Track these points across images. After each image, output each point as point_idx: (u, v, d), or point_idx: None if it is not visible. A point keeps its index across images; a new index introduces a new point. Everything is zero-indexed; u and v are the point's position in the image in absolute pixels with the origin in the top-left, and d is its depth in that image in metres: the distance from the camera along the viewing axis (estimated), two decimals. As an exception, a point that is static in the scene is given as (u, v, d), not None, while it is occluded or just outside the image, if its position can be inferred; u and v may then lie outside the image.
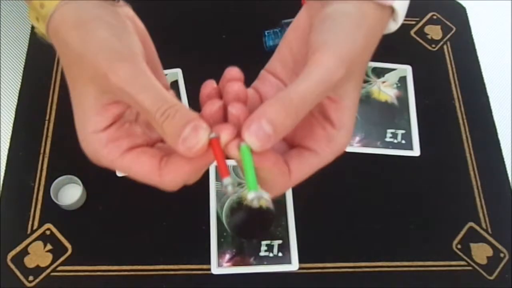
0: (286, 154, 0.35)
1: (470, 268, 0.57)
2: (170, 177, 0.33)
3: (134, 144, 0.34)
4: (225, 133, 0.31)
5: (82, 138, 0.34)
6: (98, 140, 0.33)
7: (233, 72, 0.35)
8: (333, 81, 0.32)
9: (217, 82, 0.37)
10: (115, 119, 0.34)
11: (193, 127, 0.30)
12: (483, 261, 0.57)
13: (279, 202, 0.58)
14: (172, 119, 0.31)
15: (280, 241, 0.56)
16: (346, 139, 0.36)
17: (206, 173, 0.58)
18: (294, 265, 0.55)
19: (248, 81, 0.68)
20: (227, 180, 0.32)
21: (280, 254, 0.55)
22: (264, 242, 0.56)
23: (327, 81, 0.32)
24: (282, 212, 0.57)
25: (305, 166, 0.35)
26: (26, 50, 0.63)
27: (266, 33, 0.65)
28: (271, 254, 0.55)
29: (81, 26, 0.33)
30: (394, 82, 0.67)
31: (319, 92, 0.32)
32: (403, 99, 0.66)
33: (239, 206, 0.57)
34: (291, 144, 0.37)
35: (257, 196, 0.31)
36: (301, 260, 0.55)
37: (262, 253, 0.55)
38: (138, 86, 0.31)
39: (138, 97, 0.31)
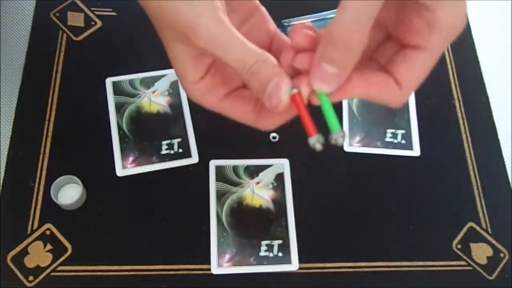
0: (391, 63, 0.33)
1: (470, 268, 0.57)
2: (264, 124, 0.36)
3: (231, 89, 0.36)
4: (305, 87, 0.32)
5: (185, 87, 0.36)
6: (198, 90, 0.35)
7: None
8: None
9: None
10: (209, 68, 0.35)
11: (275, 84, 0.31)
12: (483, 261, 0.57)
13: (279, 202, 0.58)
14: (257, 75, 0.32)
15: (280, 241, 0.56)
16: (453, 15, 0.31)
17: (206, 173, 0.58)
18: (294, 265, 0.55)
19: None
20: (313, 139, 0.33)
21: (280, 254, 0.55)
22: (264, 242, 0.56)
23: None
24: (282, 212, 0.57)
25: (415, 69, 0.33)
26: (26, 50, 0.63)
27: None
28: (271, 254, 0.55)
29: None
30: (394, 82, 0.67)
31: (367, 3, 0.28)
32: (403, 99, 0.66)
33: (239, 206, 0.57)
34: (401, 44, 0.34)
35: (339, 135, 0.33)
36: (301, 260, 0.55)
37: (262, 253, 0.55)
38: (220, 46, 0.32)
39: (222, 56, 0.32)
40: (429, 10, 0.31)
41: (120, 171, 0.57)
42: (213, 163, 0.59)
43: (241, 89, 0.37)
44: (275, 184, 0.58)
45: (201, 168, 0.58)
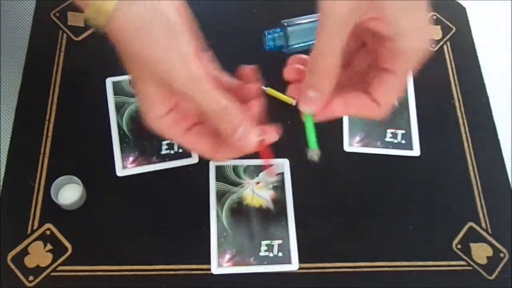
0: (371, 85, 0.38)
1: (470, 268, 0.57)
2: (222, 157, 0.42)
3: (192, 123, 0.41)
4: (272, 136, 0.41)
5: (149, 121, 0.40)
6: (163, 123, 0.40)
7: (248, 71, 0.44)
8: (342, 15, 0.33)
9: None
10: (174, 105, 0.40)
11: (244, 130, 0.38)
12: (483, 261, 0.57)
13: (279, 202, 0.58)
14: (226, 121, 0.38)
15: (280, 241, 0.56)
16: (414, 41, 0.35)
17: (206, 173, 0.58)
18: (294, 265, 0.55)
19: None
20: (265, 175, 0.45)
21: (280, 254, 0.55)
22: (264, 242, 0.56)
23: (332, 21, 0.33)
24: (282, 212, 0.57)
25: (389, 90, 0.37)
26: (26, 50, 0.63)
27: (266, 33, 0.65)
28: (271, 254, 0.55)
29: (141, 29, 0.36)
30: (394, 82, 0.67)
31: (335, 34, 0.34)
32: (403, 99, 0.66)
33: (239, 206, 0.57)
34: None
35: (315, 153, 0.41)
36: (301, 260, 0.55)
37: (262, 253, 0.55)
38: (195, 91, 0.37)
39: (195, 99, 0.37)
40: (392, 40, 0.35)
41: (120, 171, 0.57)
42: (213, 163, 0.59)
43: (199, 125, 0.42)
44: (275, 184, 0.58)
45: (201, 168, 0.58)
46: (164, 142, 0.59)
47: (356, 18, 0.33)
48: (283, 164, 0.60)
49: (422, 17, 0.35)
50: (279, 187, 0.58)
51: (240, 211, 0.57)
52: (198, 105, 0.38)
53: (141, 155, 0.58)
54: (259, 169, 0.59)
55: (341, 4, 0.33)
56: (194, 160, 0.59)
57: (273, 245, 0.56)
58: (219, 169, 0.59)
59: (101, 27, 0.37)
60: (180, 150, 0.59)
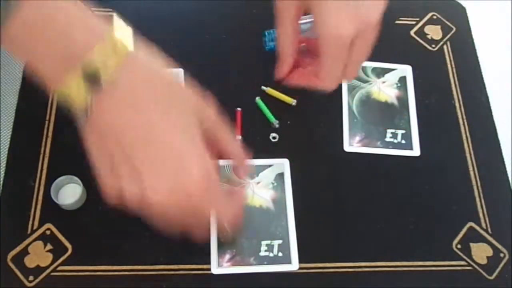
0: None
1: (470, 268, 0.57)
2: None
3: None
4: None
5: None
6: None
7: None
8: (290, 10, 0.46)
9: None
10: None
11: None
12: (483, 261, 0.57)
13: (279, 202, 0.58)
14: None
15: (280, 241, 0.56)
16: (327, 27, 0.42)
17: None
18: (294, 265, 0.55)
19: (248, 80, 0.69)
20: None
21: (280, 254, 0.55)
22: (264, 242, 0.56)
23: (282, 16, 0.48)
24: (282, 212, 0.57)
25: (325, 70, 0.46)
26: (26, 50, 0.63)
27: (266, 33, 0.65)
28: (271, 254, 0.55)
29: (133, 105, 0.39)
30: (394, 82, 0.67)
31: (285, 23, 0.47)
32: (403, 99, 0.66)
33: None
34: None
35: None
36: (301, 260, 0.55)
37: (262, 253, 0.55)
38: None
39: None
40: (316, 27, 0.43)
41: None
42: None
43: None
44: (275, 184, 0.58)
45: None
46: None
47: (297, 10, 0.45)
48: (283, 164, 0.60)
49: (333, 4, 0.41)
50: (279, 187, 0.58)
51: None
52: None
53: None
54: (259, 169, 0.59)
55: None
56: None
57: (273, 245, 0.56)
58: (219, 168, 0.59)
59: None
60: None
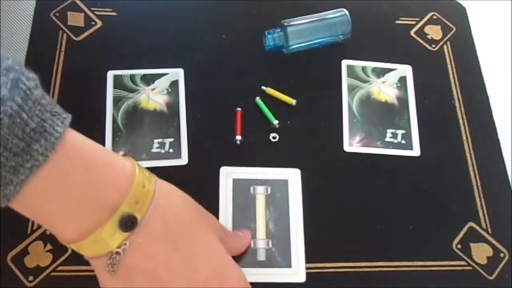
0: None
1: (470, 268, 0.57)
2: None
3: None
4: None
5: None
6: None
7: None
8: None
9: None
10: None
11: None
12: (483, 261, 0.57)
13: (172, 105, 0.59)
14: None
15: (171, 139, 0.59)
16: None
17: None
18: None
19: (248, 80, 0.68)
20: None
21: (171, 150, 0.58)
22: (156, 140, 0.58)
23: None
24: (175, 114, 0.59)
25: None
26: (26, 50, 0.63)
27: (266, 33, 0.65)
28: (162, 151, 0.58)
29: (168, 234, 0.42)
30: (394, 82, 0.67)
31: None
32: (403, 99, 0.66)
33: (134, 109, 0.60)
34: None
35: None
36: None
37: (154, 150, 0.58)
38: None
39: None
40: None
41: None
42: (111, 73, 0.60)
43: None
44: (169, 90, 0.63)
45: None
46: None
47: None
48: (178, 73, 0.63)
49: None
50: (173, 93, 0.62)
51: (134, 114, 0.61)
52: None
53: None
54: (156, 77, 0.63)
55: None
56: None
57: (164, 143, 0.59)
58: (116, 77, 0.62)
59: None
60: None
